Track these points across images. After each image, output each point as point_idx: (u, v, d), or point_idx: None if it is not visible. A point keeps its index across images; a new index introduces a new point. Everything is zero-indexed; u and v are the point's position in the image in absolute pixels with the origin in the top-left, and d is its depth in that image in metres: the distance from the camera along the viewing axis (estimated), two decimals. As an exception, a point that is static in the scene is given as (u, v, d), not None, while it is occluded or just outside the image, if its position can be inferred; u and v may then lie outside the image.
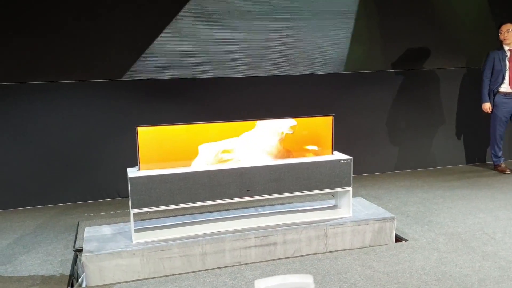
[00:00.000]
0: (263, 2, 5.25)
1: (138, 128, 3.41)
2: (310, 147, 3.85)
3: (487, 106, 5.82)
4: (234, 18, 5.19)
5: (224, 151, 3.65)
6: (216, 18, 5.14)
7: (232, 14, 5.18)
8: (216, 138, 3.63)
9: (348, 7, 5.57)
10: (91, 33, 4.84)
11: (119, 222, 4.02)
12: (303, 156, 3.83)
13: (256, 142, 3.72)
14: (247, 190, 3.61)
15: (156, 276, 3.39)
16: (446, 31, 6.03)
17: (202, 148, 3.60)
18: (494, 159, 6.01)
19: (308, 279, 2.10)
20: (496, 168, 6.02)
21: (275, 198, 3.84)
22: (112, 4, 4.88)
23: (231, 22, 5.19)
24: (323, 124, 3.87)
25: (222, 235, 3.54)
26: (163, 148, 3.52)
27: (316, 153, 3.87)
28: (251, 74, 5.36)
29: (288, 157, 3.78)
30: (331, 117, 3.86)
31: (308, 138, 3.84)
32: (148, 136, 3.46)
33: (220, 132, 3.65)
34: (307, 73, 5.55)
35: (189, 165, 3.57)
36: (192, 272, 3.44)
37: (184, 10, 5.03)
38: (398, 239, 3.96)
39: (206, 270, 3.47)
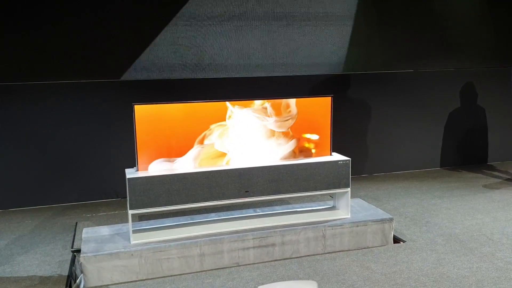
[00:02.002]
0: (261, 4, 5.25)
1: (135, 105, 3.40)
2: (309, 135, 3.85)
3: None
4: (232, 19, 5.20)
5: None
6: (215, 19, 5.14)
7: (231, 15, 5.19)
8: (218, 119, 3.65)
9: (348, 7, 5.57)
10: (90, 34, 4.83)
11: (117, 223, 4.01)
12: (302, 141, 3.84)
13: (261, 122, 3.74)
14: (246, 191, 3.62)
15: (154, 277, 3.39)
16: (445, 32, 6.04)
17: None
18: None
19: (312, 286, 2.07)
20: None
21: (273, 199, 3.84)
22: (111, 5, 4.87)
23: (230, 23, 5.20)
24: (322, 105, 3.85)
25: (221, 236, 3.54)
26: (162, 128, 3.50)
27: (315, 143, 3.86)
28: (250, 75, 5.37)
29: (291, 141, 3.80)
30: (330, 98, 3.85)
31: (306, 120, 3.83)
32: (146, 116, 3.44)
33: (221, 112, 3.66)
34: (306, 74, 5.56)
35: (191, 146, 3.58)
36: (190, 273, 3.45)
37: (183, 11, 5.03)
38: (396, 240, 3.97)
39: (204, 271, 3.47)
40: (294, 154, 3.83)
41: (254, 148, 3.74)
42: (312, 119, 3.85)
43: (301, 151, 3.85)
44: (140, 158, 3.48)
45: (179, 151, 3.58)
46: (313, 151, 3.88)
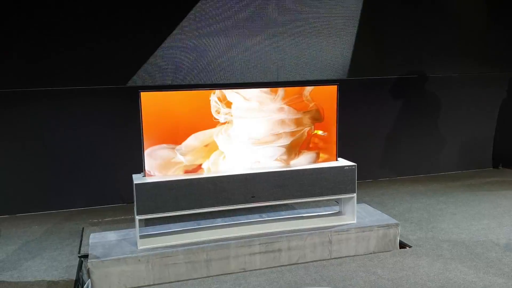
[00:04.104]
0: (265, 8, 5.28)
1: (141, 92, 3.40)
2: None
3: None
4: (236, 23, 5.22)
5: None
6: (219, 24, 5.17)
7: (235, 19, 5.21)
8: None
9: (352, 12, 5.59)
10: (96, 41, 4.87)
11: (124, 228, 4.03)
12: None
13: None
14: (252, 196, 3.63)
15: (161, 282, 3.40)
16: (449, 37, 6.04)
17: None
18: None
19: None
20: None
21: (279, 204, 3.85)
22: (118, 11, 4.91)
23: (233, 27, 5.22)
24: (327, 96, 3.83)
25: (227, 242, 3.55)
26: (168, 116, 3.49)
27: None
28: (254, 80, 5.39)
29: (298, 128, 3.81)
30: (336, 86, 3.84)
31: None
32: (152, 102, 3.43)
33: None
34: (311, 78, 5.57)
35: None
36: (197, 278, 3.46)
37: (188, 17, 5.07)
38: (402, 245, 3.97)
39: (211, 276, 3.49)
40: (298, 149, 3.84)
41: (257, 141, 3.75)
42: (316, 101, 3.82)
43: (307, 148, 3.85)
44: (146, 146, 3.48)
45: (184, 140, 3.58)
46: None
